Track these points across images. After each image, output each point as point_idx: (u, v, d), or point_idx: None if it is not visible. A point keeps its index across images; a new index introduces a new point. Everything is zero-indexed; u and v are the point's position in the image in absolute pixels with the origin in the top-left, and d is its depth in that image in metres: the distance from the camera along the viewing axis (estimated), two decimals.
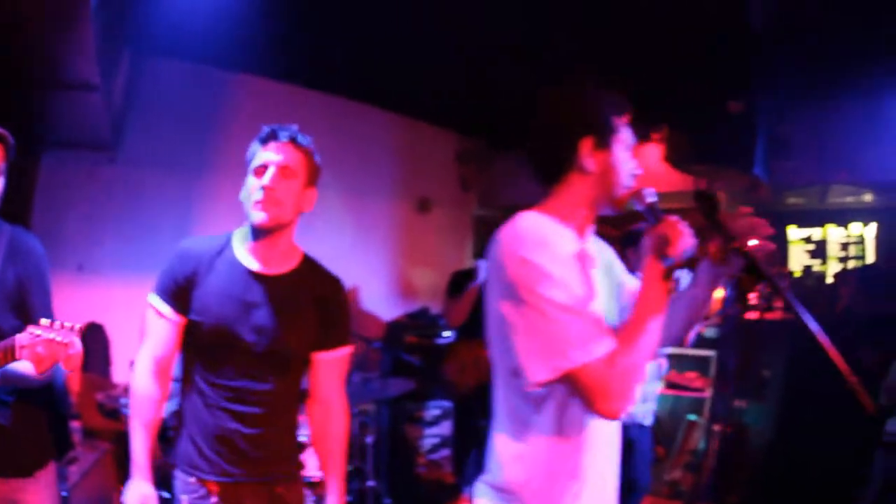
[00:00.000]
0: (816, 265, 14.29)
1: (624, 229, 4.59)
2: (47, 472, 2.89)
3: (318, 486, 5.26)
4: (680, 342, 2.41)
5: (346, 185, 7.88)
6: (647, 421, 4.73)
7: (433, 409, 7.19)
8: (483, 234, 8.92)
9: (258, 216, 2.64)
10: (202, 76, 6.40)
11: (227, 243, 2.77)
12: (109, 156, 5.98)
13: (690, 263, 2.17)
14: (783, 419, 6.48)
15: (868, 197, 9.88)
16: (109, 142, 5.87)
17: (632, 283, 2.30)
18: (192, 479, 2.65)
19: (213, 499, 2.65)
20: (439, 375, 6.85)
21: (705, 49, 6.01)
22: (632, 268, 2.23)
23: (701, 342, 6.31)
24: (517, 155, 9.28)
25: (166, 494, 2.81)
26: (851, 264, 13.79)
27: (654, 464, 7.18)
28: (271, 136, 2.71)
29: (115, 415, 5.16)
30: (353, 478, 5.68)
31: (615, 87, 2.17)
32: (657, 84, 6.36)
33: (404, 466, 6.32)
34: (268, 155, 2.68)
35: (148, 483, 2.63)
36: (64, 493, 3.55)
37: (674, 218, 2.02)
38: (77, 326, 2.37)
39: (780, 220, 14.28)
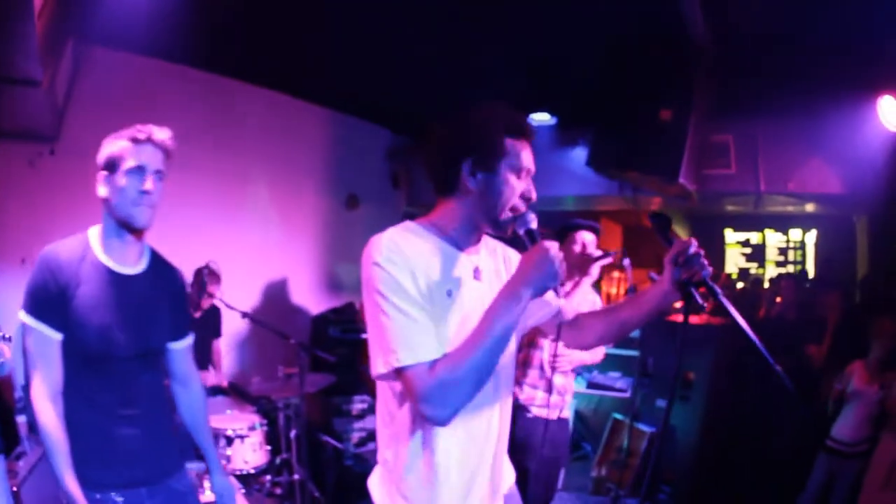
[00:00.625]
0: (753, 268, 14.61)
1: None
2: None
3: (248, 479, 5.42)
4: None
5: (275, 179, 7.92)
6: (564, 413, 4.82)
7: (359, 403, 7.25)
8: None
9: (141, 219, 2.67)
10: (141, 66, 6.30)
11: (87, 247, 2.70)
12: (51, 147, 5.86)
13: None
14: (708, 421, 6.60)
15: (810, 207, 10.04)
16: (51, 133, 5.78)
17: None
18: (97, 495, 2.61)
19: None
20: (360, 370, 6.97)
21: (642, 56, 6.10)
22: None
23: (626, 342, 6.40)
24: None
25: None
26: (790, 269, 14.14)
27: (581, 461, 7.38)
28: (148, 138, 2.68)
29: None
30: (282, 470, 5.81)
31: (530, 103, 2.27)
32: (590, 88, 6.45)
33: (333, 459, 6.42)
34: (145, 156, 2.67)
35: None
36: (13, 489, 3.55)
37: (549, 244, 2.10)
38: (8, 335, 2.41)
39: (717, 223, 14.60)
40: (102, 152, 2.69)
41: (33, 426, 5.00)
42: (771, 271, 14.26)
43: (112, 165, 2.66)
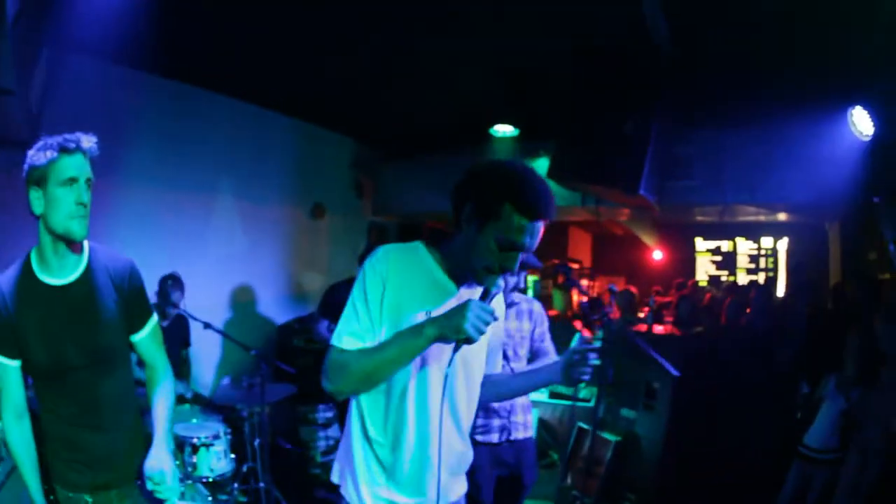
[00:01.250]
0: (723, 276, 14.74)
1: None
2: None
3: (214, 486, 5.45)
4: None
5: (240, 188, 7.92)
6: (518, 435, 4.78)
7: (325, 412, 7.25)
8: (376, 240, 8.93)
9: (80, 232, 2.62)
10: (112, 75, 6.31)
11: (25, 268, 2.69)
12: (26, 154, 5.85)
13: None
14: (673, 429, 6.62)
15: (782, 215, 10.14)
16: (26, 140, 5.78)
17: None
18: (70, 494, 2.73)
19: None
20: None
21: (604, 68, 6.17)
22: None
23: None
24: (413, 164, 9.42)
25: None
26: (761, 276, 14.27)
27: (548, 469, 7.40)
28: (77, 147, 2.63)
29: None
30: (248, 478, 5.85)
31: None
32: (552, 99, 6.55)
33: (299, 468, 6.43)
34: (76, 167, 2.61)
35: None
36: None
37: (476, 305, 2.26)
38: None
39: (687, 231, 14.71)
40: (30, 165, 2.62)
41: None
42: (742, 279, 14.37)
43: (42, 179, 2.59)
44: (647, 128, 6.02)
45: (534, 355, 4.75)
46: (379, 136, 9.15)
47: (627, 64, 6.07)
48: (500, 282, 2.38)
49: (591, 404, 7.06)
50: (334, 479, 2.58)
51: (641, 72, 6.03)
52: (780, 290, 12.69)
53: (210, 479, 5.42)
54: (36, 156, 2.61)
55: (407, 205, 9.60)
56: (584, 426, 6.92)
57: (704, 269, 14.98)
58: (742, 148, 7.73)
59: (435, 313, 2.34)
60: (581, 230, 15.35)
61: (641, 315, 8.66)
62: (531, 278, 11.50)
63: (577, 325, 7.09)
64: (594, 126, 6.18)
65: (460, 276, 2.47)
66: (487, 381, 2.71)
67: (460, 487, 2.67)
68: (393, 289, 2.38)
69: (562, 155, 6.48)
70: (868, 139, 6.76)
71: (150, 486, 2.69)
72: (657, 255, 15.28)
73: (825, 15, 5.14)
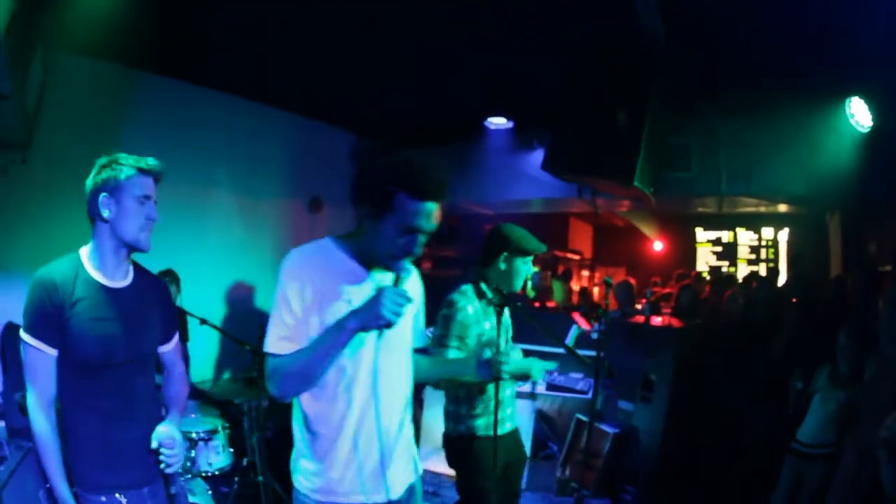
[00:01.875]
0: (724, 267, 14.71)
1: None
2: None
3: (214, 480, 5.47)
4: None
5: (239, 182, 7.95)
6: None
7: None
8: None
9: (147, 243, 2.94)
10: (109, 73, 6.33)
11: (79, 265, 2.85)
12: (23, 155, 5.88)
13: None
14: (671, 421, 6.62)
15: (782, 206, 10.11)
16: (22, 141, 5.79)
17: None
18: (103, 498, 2.76)
19: None
20: None
21: (599, 59, 6.16)
22: None
23: (585, 343, 6.39)
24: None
25: None
26: (762, 267, 14.24)
27: (547, 460, 7.40)
28: (151, 170, 2.93)
29: None
30: (248, 472, 5.88)
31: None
32: (547, 91, 6.54)
33: None
34: (149, 186, 2.94)
35: None
36: None
37: (389, 291, 2.44)
38: None
39: (687, 222, 14.69)
40: (104, 174, 2.86)
41: (12, 431, 5.04)
42: (743, 270, 14.35)
43: (117, 189, 2.85)
44: (641, 119, 6.02)
45: None
46: (376, 129, 9.10)
47: (621, 55, 6.05)
48: (408, 265, 2.61)
49: (590, 396, 7.06)
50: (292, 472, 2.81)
51: (635, 63, 6.02)
52: (781, 282, 12.66)
53: (209, 474, 5.47)
54: (112, 167, 2.87)
55: None
56: (583, 418, 6.92)
57: (705, 259, 14.93)
58: (739, 138, 7.72)
59: (356, 301, 2.52)
60: (581, 221, 15.32)
61: (639, 307, 8.65)
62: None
63: (576, 316, 7.07)
64: (588, 118, 6.17)
65: (372, 263, 2.63)
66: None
67: (409, 472, 2.86)
68: (312, 286, 2.53)
69: (556, 147, 6.49)
70: (866, 130, 6.75)
71: (154, 445, 2.88)
72: (657, 245, 15.28)
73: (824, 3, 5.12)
